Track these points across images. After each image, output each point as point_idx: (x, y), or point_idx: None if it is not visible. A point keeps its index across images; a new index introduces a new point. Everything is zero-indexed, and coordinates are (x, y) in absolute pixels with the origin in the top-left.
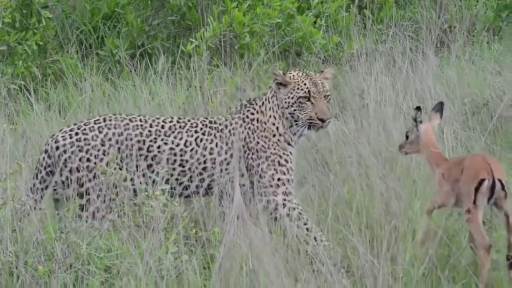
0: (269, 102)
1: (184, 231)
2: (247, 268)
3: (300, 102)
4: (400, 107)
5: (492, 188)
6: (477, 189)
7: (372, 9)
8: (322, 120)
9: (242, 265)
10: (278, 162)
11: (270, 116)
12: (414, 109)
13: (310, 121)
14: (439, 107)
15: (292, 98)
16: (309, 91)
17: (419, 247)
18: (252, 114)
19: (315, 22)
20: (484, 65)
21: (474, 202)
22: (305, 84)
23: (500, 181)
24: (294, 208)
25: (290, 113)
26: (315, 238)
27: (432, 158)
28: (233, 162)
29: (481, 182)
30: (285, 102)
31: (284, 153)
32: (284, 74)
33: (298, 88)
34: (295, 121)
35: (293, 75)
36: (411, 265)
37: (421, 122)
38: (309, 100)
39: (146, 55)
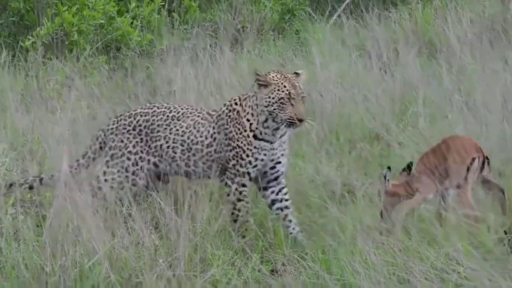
0: (249, 100)
1: (20, 195)
2: (72, 225)
3: (281, 102)
4: (201, 93)
5: (482, 164)
6: (468, 167)
7: (179, 12)
8: (301, 120)
9: (68, 223)
10: (241, 155)
11: (247, 113)
12: (385, 169)
13: (290, 120)
14: (408, 167)
15: (273, 98)
16: (289, 93)
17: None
18: (236, 104)
19: (132, 23)
20: (270, 59)
21: (465, 178)
22: (285, 86)
23: (487, 158)
24: (240, 200)
25: (269, 112)
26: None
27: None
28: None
29: (472, 160)
30: (265, 101)
31: (248, 148)
32: (265, 75)
33: (279, 90)
34: (273, 119)
35: (273, 76)
36: (208, 223)
37: (388, 180)
38: (289, 101)
39: None
